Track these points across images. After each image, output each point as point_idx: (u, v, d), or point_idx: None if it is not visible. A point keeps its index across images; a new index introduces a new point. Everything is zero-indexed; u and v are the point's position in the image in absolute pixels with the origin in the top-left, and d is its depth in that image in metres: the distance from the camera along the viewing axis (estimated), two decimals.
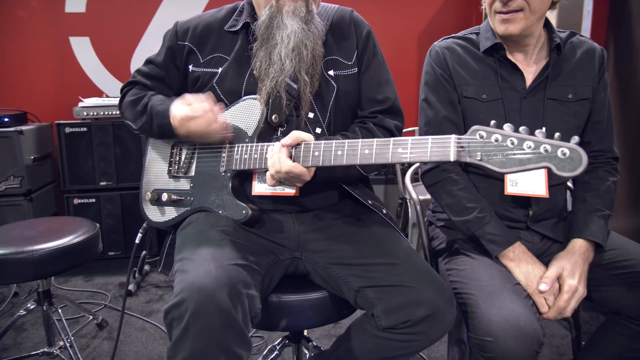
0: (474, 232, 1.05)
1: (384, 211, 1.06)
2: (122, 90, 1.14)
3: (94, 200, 2.40)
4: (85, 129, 2.33)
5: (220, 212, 0.98)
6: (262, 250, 0.94)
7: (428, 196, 1.20)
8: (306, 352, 1.21)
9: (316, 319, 0.99)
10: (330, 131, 1.03)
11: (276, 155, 0.90)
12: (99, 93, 2.74)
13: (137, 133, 1.09)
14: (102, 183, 2.40)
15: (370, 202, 1.06)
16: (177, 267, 0.86)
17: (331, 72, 1.04)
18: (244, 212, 0.95)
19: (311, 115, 1.02)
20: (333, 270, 0.96)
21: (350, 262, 0.94)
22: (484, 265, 1.02)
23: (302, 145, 0.91)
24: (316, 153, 0.90)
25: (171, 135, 1.01)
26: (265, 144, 0.96)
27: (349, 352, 0.95)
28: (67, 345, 1.55)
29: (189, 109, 0.95)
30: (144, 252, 2.32)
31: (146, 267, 2.42)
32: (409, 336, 0.87)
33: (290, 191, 0.99)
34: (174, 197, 1.05)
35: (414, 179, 1.49)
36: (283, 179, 0.91)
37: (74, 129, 2.33)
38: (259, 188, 1.00)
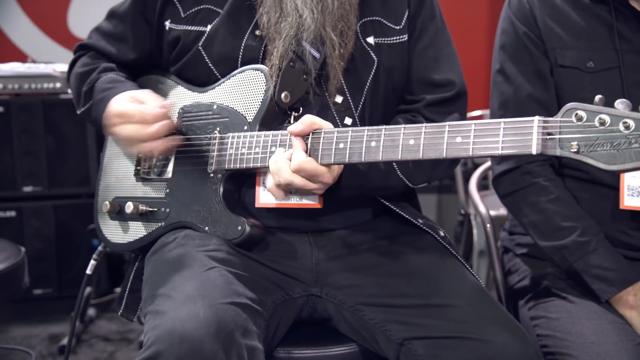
0: (573, 263, 1.09)
1: (442, 233, 1.11)
2: (74, 53, 1.22)
3: (13, 213, 2.49)
4: (1, 108, 2.41)
5: (207, 228, 1.04)
6: (267, 285, 1.00)
7: (503, 211, 1.24)
8: None
9: None
10: (365, 122, 1.09)
11: (280, 160, 0.95)
12: (21, 57, 2.84)
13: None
14: (26, 188, 2.48)
15: (420, 221, 1.11)
16: (148, 307, 0.92)
17: (371, 40, 1.10)
18: (239, 228, 1.01)
19: (339, 99, 1.07)
20: (366, 314, 1.00)
21: (392, 303, 0.99)
22: (588, 314, 1.05)
23: (322, 134, 0.97)
24: (341, 145, 0.95)
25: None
26: (271, 133, 1.02)
27: None
28: None
29: (131, 107, 1.03)
30: (88, 290, 2.40)
31: (90, 312, 2.49)
32: None
33: (311, 202, 1.05)
34: (142, 207, 1.11)
35: (481, 186, 1.53)
36: (291, 185, 0.95)
37: None
38: (266, 198, 1.06)
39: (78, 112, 1.17)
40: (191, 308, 0.83)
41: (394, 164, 1.05)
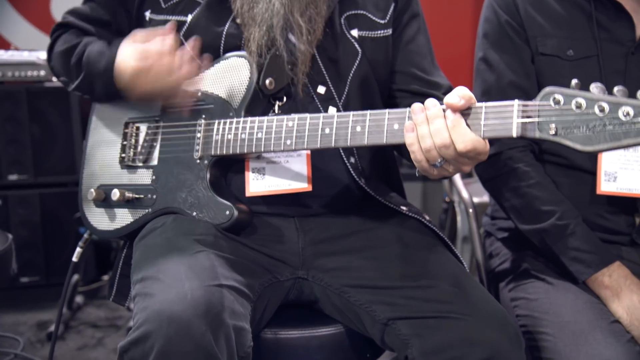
0: (552, 246, 1.12)
1: (427, 217, 1.13)
2: (51, 35, 1.20)
3: (0, 201, 2.48)
4: None
5: (195, 214, 1.06)
6: (254, 268, 1.01)
7: (485, 198, 1.27)
8: None
9: None
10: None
11: (447, 121, 0.85)
12: (4, 45, 2.81)
13: (78, 94, 1.16)
14: (11, 177, 2.47)
15: (404, 208, 1.13)
16: (136, 289, 0.93)
17: (355, 33, 1.11)
18: (227, 212, 1.02)
19: (322, 89, 1.09)
20: (352, 296, 1.03)
21: (376, 285, 1.01)
22: (565, 294, 1.08)
23: (308, 119, 0.98)
24: (327, 130, 0.97)
25: (124, 97, 1.07)
26: (257, 119, 1.03)
27: None
28: None
29: (139, 54, 1.00)
30: (75, 277, 2.40)
31: (78, 299, 2.50)
32: None
33: (300, 186, 1.06)
34: (128, 195, 1.12)
35: (465, 175, 1.56)
36: (452, 160, 0.88)
37: None
38: (257, 186, 1.07)
39: (71, 88, 1.14)
40: (179, 290, 0.85)
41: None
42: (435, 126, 0.87)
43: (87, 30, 1.17)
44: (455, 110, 0.87)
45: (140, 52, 1.01)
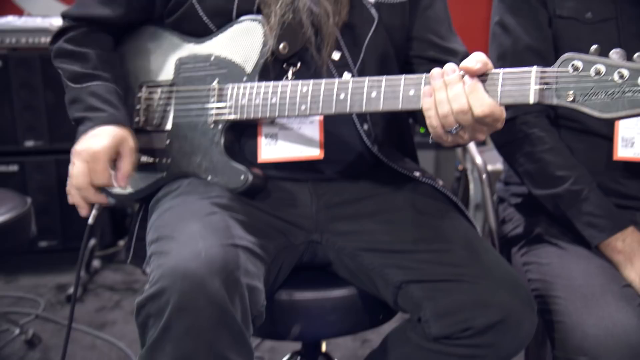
0: (565, 211, 1.12)
1: (440, 182, 1.14)
2: (63, 17, 1.16)
3: (16, 167, 2.52)
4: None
5: (210, 178, 1.07)
6: (269, 231, 1.03)
7: (499, 166, 1.27)
8: None
9: (340, 326, 1.08)
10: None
11: (465, 87, 0.84)
12: (17, 11, 2.81)
13: None
14: (27, 143, 2.50)
15: (417, 174, 1.13)
16: (152, 249, 0.95)
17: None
18: (242, 177, 1.03)
19: (336, 55, 1.07)
20: (365, 259, 1.04)
21: (390, 248, 1.02)
22: (577, 259, 1.09)
23: (323, 85, 0.98)
24: (342, 95, 0.96)
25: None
26: (271, 83, 1.03)
27: None
28: None
29: (99, 149, 0.98)
30: (92, 242, 2.45)
31: (95, 263, 2.55)
32: (470, 350, 0.95)
33: (312, 153, 1.06)
34: (143, 159, 1.13)
35: (479, 143, 1.55)
36: (469, 127, 0.87)
37: None
38: (269, 152, 1.07)
39: (67, 88, 1.12)
40: (194, 248, 0.86)
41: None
42: (454, 92, 0.86)
43: (98, 16, 1.12)
44: (472, 74, 0.86)
45: (103, 159, 1.00)
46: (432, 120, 0.89)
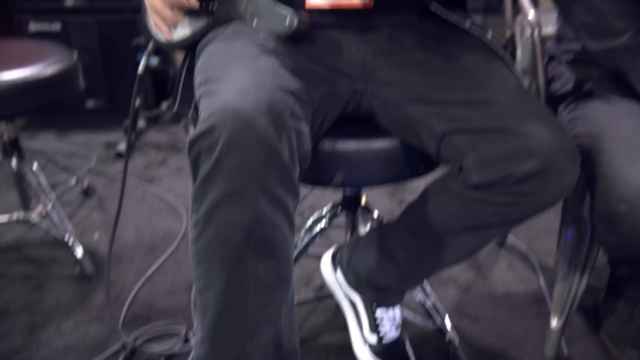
0: (621, 65, 1.07)
1: (490, 34, 1.09)
2: None
3: (59, 26, 2.52)
4: None
5: (255, 22, 1.05)
6: (314, 78, 1.02)
7: (549, 29, 1.20)
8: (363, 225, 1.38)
9: (382, 175, 1.11)
10: None
11: None
12: None
13: None
14: (68, 2, 2.48)
15: (467, 25, 1.08)
16: (200, 90, 0.96)
17: None
18: (287, 21, 1.01)
19: None
20: (409, 109, 1.04)
21: (435, 98, 1.01)
22: (627, 113, 1.06)
23: None
24: None
25: None
26: None
27: (424, 220, 1.08)
28: (50, 209, 1.80)
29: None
30: (137, 102, 2.51)
31: (141, 123, 2.64)
32: (509, 197, 0.96)
33: (362, 0, 1.02)
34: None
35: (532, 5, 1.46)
36: None
37: None
38: None
39: None
40: (242, 87, 0.87)
41: None
42: None
43: None
44: None
45: None
46: None
